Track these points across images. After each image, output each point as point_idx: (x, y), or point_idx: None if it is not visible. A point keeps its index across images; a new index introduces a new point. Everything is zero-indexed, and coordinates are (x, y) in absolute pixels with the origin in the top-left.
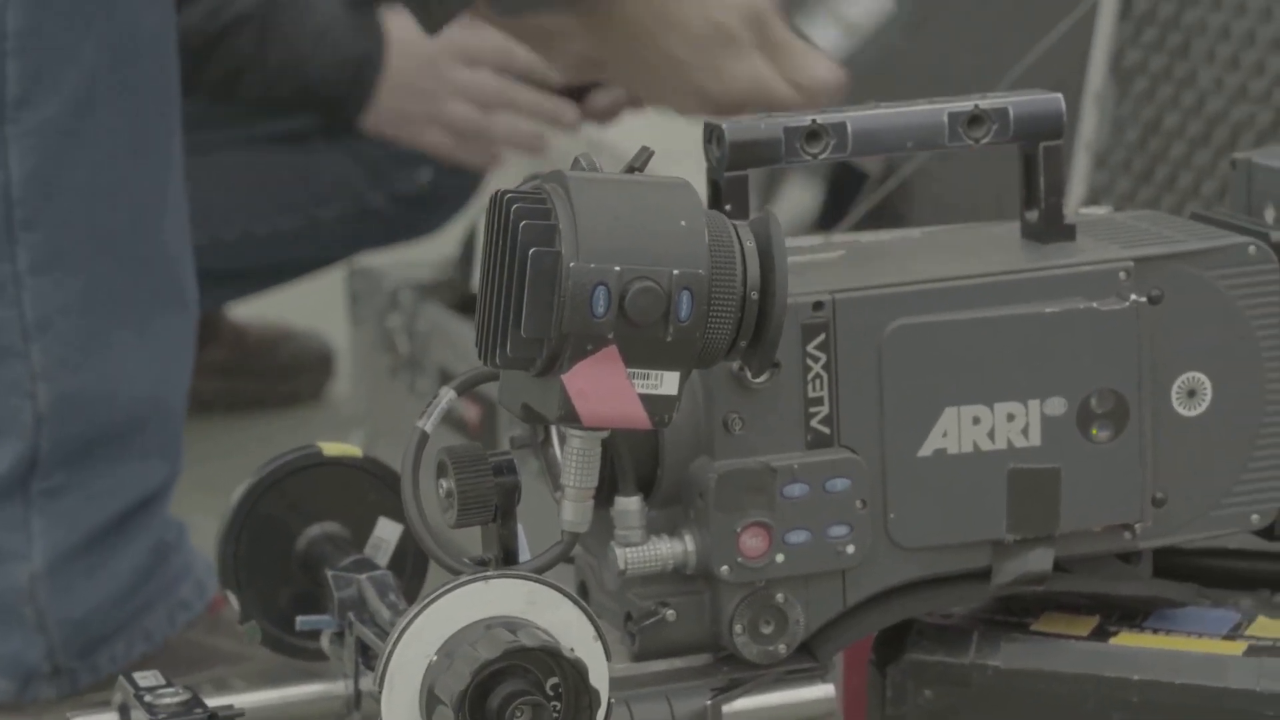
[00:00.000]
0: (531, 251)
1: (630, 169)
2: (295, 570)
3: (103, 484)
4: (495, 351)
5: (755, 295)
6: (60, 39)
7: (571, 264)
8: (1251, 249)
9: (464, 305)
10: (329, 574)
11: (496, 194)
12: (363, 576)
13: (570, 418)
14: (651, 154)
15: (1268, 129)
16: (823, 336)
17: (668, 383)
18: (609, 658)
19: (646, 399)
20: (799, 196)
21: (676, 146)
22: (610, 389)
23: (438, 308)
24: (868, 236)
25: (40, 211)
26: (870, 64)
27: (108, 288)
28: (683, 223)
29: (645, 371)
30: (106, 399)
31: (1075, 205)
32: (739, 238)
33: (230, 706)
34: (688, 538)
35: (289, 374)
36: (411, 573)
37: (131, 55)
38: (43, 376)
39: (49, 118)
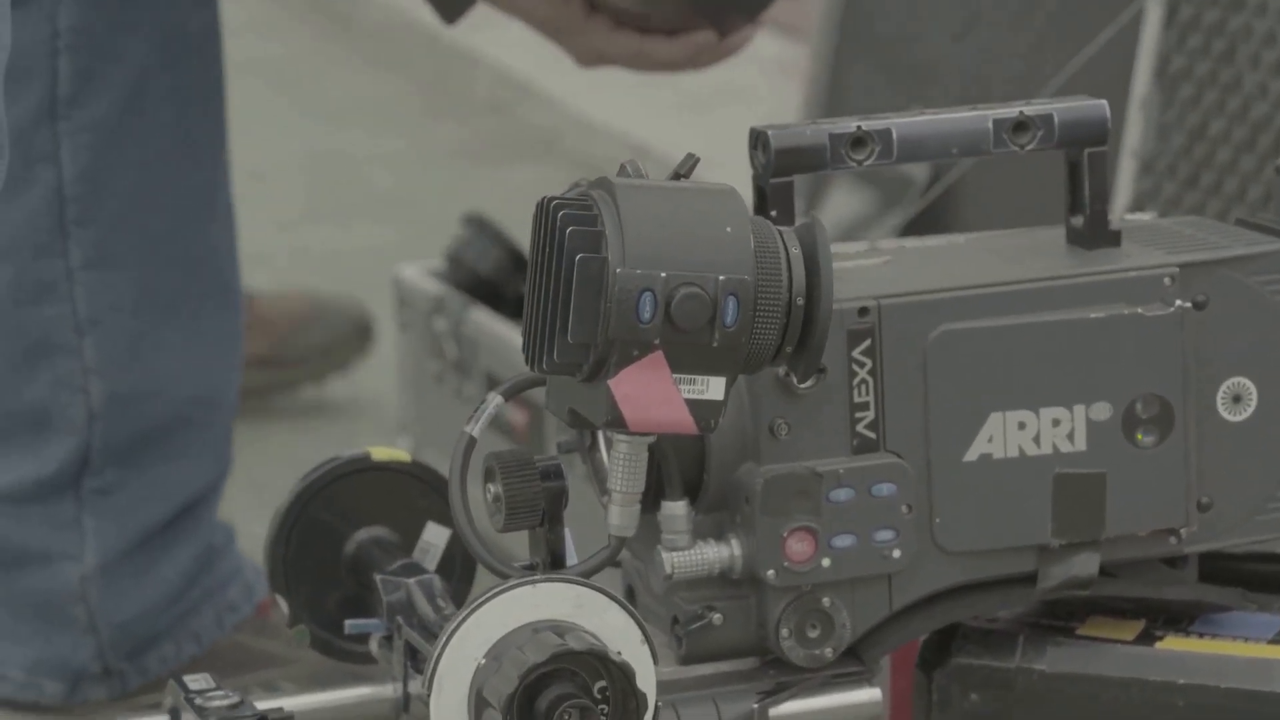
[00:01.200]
0: (578, 258)
1: (676, 175)
2: (344, 574)
3: (153, 483)
4: (542, 357)
5: (800, 301)
6: (111, 38)
7: (618, 270)
8: None
9: (513, 309)
10: (377, 578)
11: (543, 200)
12: (411, 580)
13: (617, 423)
14: (697, 160)
15: None
16: (868, 342)
17: (714, 388)
18: (656, 661)
19: (693, 404)
20: (845, 201)
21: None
22: (656, 394)
23: (484, 312)
24: (913, 242)
25: (92, 209)
26: (916, 70)
27: (158, 285)
28: (728, 229)
29: (691, 377)
30: (157, 396)
31: (1121, 211)
32: (784, 243)
33: (280, 709)
34: (734, 542)
35: (329, 352)
36: (459, 577)
37: (181, 54)
38: (95, 372)
39: (100, 116)
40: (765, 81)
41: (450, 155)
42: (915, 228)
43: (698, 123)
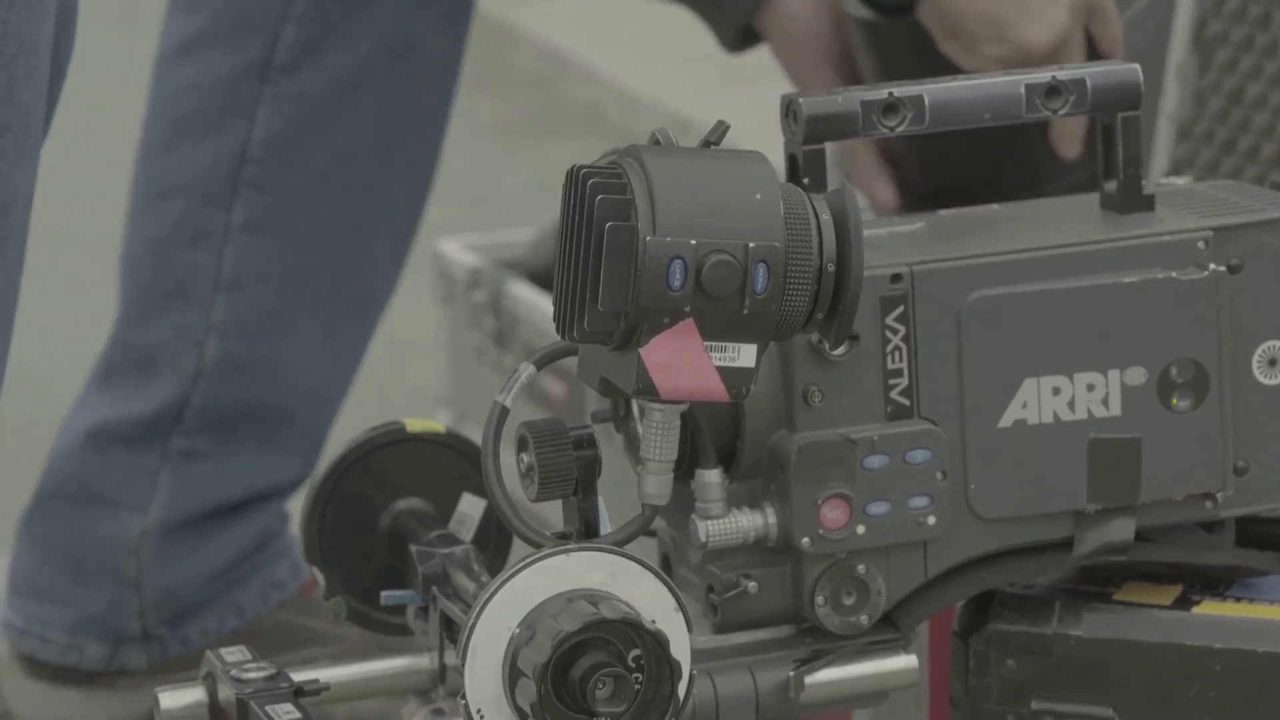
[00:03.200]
0: (608, 226)
1: (706, 143)
2: (380, 546)
3: (239, 463)
4: (573, 326)
5: (831, 267)
6: (341, 22)
7: (648, 238)
8: None
9: (549, 282)
10: (413, 549)
11: (573, 169)
12: (446, 551)
13: (648, 391)
14: (727, 127)
15: None
16: (902, 309)
17: (745, 355)
18: (690, 630)
19: (724, 371)
20: None
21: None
22: (688, 362)
23: (523, 285)
24: (947, 211)
25: (270, 176)
26: None
27: (309, 274)
28: (758, 195)
29: (722, 344)
30: (269, 378)
31: (1158, 177)
32: (815, 210)
33: (315, 680)
34: (769, 510)
35: None
36: (495, 548)
37: (408, 67)
38: (217, 331)
39: (307, 92)
40: None
41: (492, 130)
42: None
43: (741, 97)
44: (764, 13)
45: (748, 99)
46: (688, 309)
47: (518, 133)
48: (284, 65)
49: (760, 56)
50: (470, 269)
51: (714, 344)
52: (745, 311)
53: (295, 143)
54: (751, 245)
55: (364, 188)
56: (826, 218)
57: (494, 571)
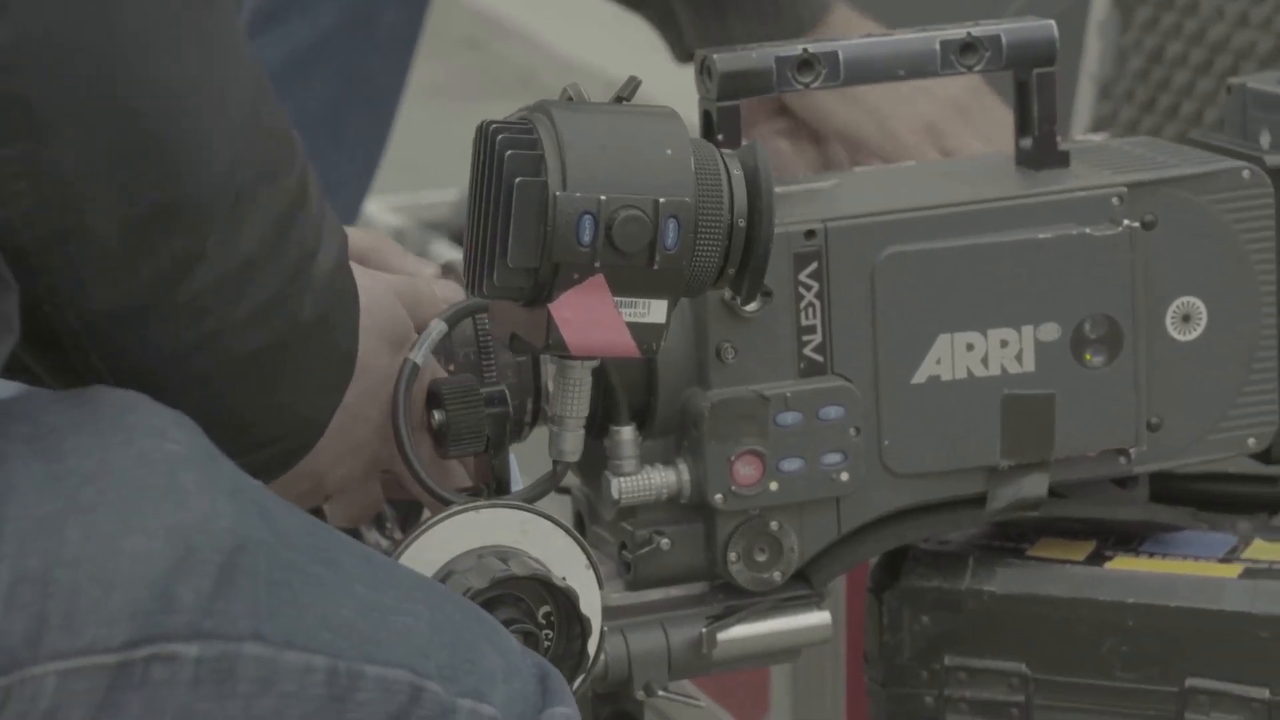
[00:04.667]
0: (517, 181)
1: (618, 99)
2: None
3: None
4: (483, 282)
5: (742, 223)
6: None
7: (557, 193)
8: (1245, 173)
9: None
10: (326, 507)
11: (483, 124)
12: None
13: (558, 347)
14: (639, 83)
15: (1269, 55)
16: (815, 265)
17: (655, 311)
18: (601, 586)
19: (634, 327)
20: None
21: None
22: (598, 318)
23: (447, 245)
24: (863, 168)
25: None
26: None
27: None
28: (669, 151)
29: (633, 300)
30: None
31: (1077, 135)
32: (726, 166)
33: None
34: (682, 467)
35: None
36: (410, 506)
37: (366, 38)
38: None
39: (265, 61)
40: None
41: (426, 93)
42: None
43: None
44: None
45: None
46: (598, 264)
47: (452, 95)
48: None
49: None
50: (394, 229)
51: (624, 300)
52: (655, 267)
53: None
54: (662, 201)
55: (313, 159)
56: (738, 173)
57: (409, 530)
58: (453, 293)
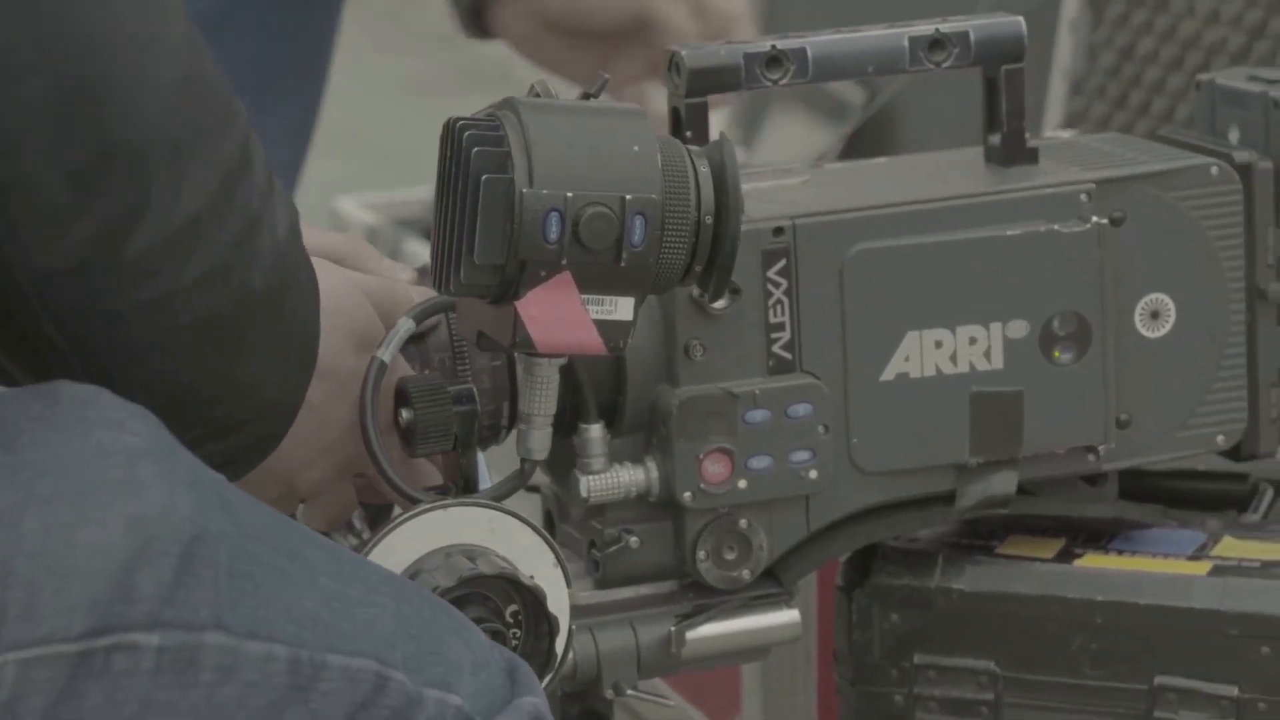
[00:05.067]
0: (484, 178)
1: (585, 96)
2: None
3: None
4: (450, 279)
5: (709, 220)
6: None
7: (524, 190)
8: (1214, 170)
9: None
10: (301, 511)
11: (450, 121)
12: None
13: (525, 344)
14: (606, 80)
15: (1240, 51)
16: (784, 262)
17: (622, 308)
18: (569, 584)
19: (601, 325)
20: (783, 126)
21: None
22: (565, 315)
23: (421, 243)
24: (833, 165)
25: None
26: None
27: None
28: (635, 148)
29: (600, 297)
30: None
31: (1048, 132)
32: (693, 163)
33: None
34: (651, 465)
35: None
36: (380, 509)
37: (284, 3)
38: None
39: None
40: None
41: (402, 87)
42: (854, 153)
43: None
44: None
45: None
46: (564, 262)
47: (428, 90)
48: None
49: None
50: (367, 227)
51: (591, 297)
52: (622, 264)
53: None
54: (628, 198)
55: None
56: (704, 170)
57: (377, 529)
58: (427, 296)
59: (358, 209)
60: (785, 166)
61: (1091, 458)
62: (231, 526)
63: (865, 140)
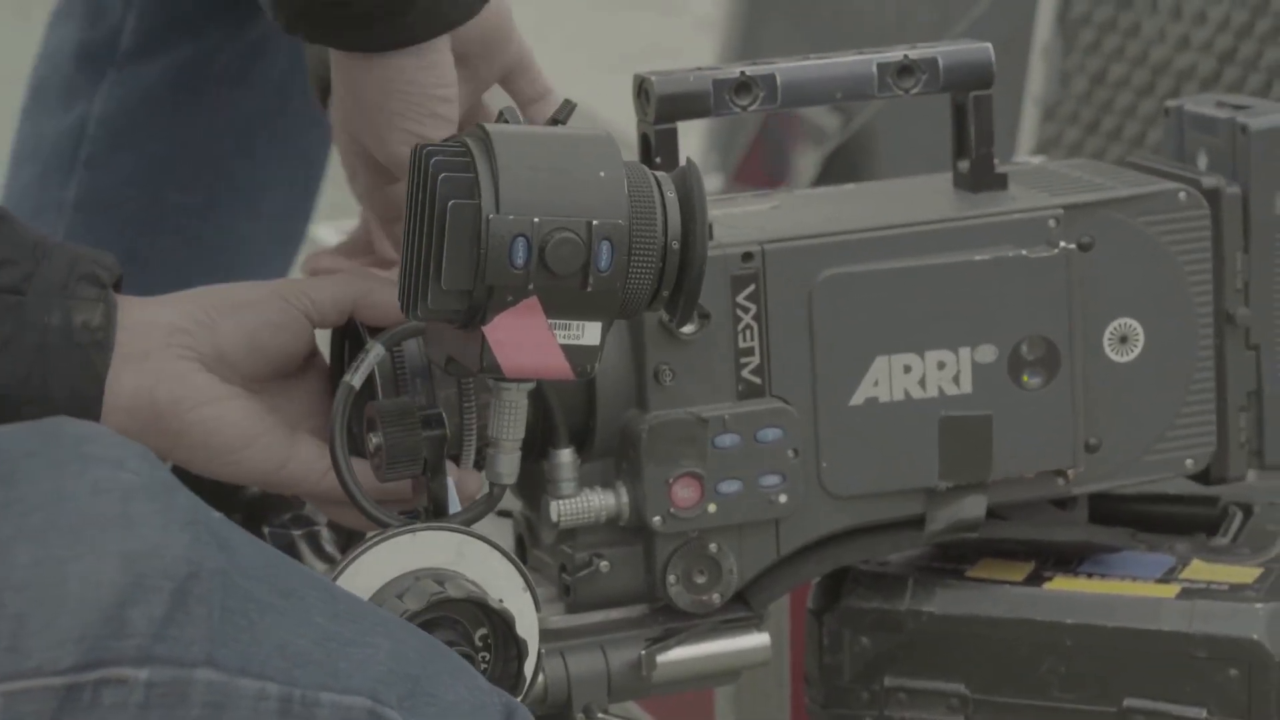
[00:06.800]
0: (451, 204)
1: (553, 121)
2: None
3: None
4: (417, 304)
5: (676, 245)
6: (187, 17)
7: (490, 216)
8: (1182, 195)
9: None
10: (266, 530)
11: (417, 147)
12: (300, 532)
13: (493, 369)
14: (574, 106)
15: (1210, 77)
16: (753, 287)
17: (589, 333)
18: (539, 608)
19: (569, 349)
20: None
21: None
22: (532, 340)
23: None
24: (803, 190)
25: (105, 157)
26: (829, 22)
27: (150, 254)
28: (602, 173)
29: (567, 322)
30: None
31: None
32: (660, 188)
33: None
34: (621, 489)
35: None
36: (351, 529)
37: (265, 61)
38: None
39: (146, 79)
40: (696, 39)
41: None
42: (830, 179)
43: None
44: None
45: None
46: (531, 287)
47: None
48: (129, 51)
49: (647, 40)
50: None
51: (558, 322)
52: (589, 289)
53: (130, 126)
54: (595, 223)
55: (216, 171)
56: (671, 195)
57: (348, 552)
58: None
59: (335, 236)
60: (757, 191)
61: (1061, 481)
62: (227, 564)
63: (841, 165)
